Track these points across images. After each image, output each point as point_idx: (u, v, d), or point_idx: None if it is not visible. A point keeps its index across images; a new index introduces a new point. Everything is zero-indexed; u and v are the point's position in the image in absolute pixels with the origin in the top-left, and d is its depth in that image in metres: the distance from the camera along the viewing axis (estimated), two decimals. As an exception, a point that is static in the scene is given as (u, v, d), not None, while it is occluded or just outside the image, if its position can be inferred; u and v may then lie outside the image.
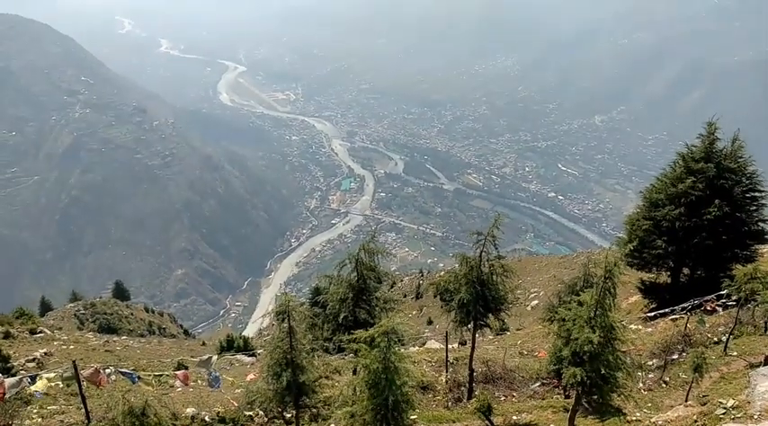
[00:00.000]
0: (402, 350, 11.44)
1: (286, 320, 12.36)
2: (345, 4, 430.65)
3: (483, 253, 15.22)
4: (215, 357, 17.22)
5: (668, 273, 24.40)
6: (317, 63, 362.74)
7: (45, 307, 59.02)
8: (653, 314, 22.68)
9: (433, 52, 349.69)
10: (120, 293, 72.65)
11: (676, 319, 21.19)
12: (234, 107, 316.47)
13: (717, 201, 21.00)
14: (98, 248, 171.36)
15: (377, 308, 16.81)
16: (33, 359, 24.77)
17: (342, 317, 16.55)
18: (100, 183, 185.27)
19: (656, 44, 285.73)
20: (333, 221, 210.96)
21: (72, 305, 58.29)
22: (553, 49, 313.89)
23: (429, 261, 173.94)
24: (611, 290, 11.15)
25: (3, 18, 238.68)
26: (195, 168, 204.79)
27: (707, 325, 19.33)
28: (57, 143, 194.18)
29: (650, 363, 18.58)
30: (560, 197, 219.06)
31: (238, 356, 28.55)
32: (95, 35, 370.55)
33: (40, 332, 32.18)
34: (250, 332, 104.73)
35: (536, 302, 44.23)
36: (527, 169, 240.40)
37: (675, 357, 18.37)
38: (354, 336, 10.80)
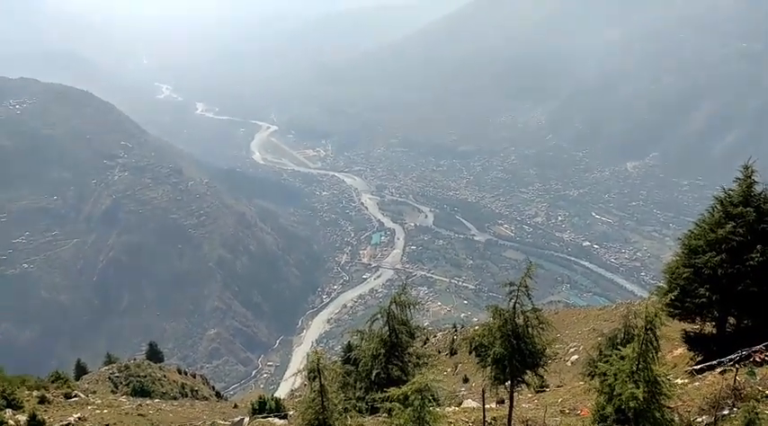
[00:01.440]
0: (437, 409, 11.06)
1: (317, 379, 12.12)
2: (374, 61, 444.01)
3: (516, 305, 14.85)
4: (247, 419, 16.97)
5: (713, 323, 23.44)
6: (346, 119, 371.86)
7: (80, 370, 59.29)
8: (699, 367, 21.66)
9: (460, 105, 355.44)
10: (154, 354, 72.73)
11: (725, 372, 20.17)
12: (266, 165, 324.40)
13: (759, 246, 20.32)
14: (133, 309, 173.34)
15: (410, 364, 16.44)
16: (68, 424, 24.72)
17: (374, 374, 16.21)
18: (136, 244, 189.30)
19: (686, 88, 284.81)
20: (364, 276, 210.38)
21: (106, 368, 58.45)
22: (580, 97, 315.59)
23: (462, 315, 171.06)
24: (654, 342, 10.69)
25: (48, 87, 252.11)
26: (228, 226, 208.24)
27: (758, 378, 18.31)
28: (96, 206, 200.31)
29: (699, 420, 17.59)
30: (596, 246, 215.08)
31: (270, 418, 27.99)
32: (135, 100, 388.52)
33: (75, 396, 32.22)
34: (282, 392, 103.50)
35: (576, 357, 42.68)
36: (559, 218, 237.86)
37: (726, 412, 17.36)
38: (387, 394, 10.51)
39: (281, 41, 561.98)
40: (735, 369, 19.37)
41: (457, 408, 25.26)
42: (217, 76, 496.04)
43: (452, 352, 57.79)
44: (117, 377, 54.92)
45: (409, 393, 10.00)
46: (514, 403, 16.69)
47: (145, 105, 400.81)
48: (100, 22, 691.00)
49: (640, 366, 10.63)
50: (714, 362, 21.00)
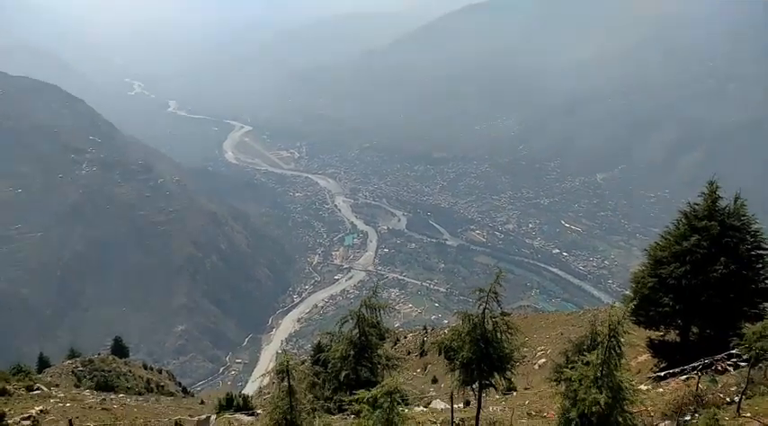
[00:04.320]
0: (406, 410, 11.11)
1: (285, 379, 12.07)
2: (350, 69, 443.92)
3: (486, 310, 15.00)
4: (213, 416, 16.80)
5: (677, 332, 24.01)
6: (320, 123, 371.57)
7: (43, 364, 57.98)
8: (663, 373, 22.16)
9: (434, 113, 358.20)
10: (119, 349, 71.48)
11: (687, 379, 20.67)
12: (239, 165, 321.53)
13: (723, 259, 20.88)
14: (98, 304, 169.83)
15: (379, 366, 16.46)
16: (29, 417, 24.21)
17: (343, 376, 16.20)
18: (102, 240, 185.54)
19: (654, 106, 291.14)
20: (336, 277, 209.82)
21: (70, 361, 57.30)
22: (552, 111, 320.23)
23: (433, 317, 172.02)
24: (617, 349, 10.90)
25: (15, 80, 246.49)
26: (198, 224, 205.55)
27: (719, 385, 18.83)
28: (62, 200, 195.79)
29: (662, 425, 18.00)
30: (565, 253, 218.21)
31: (237, 415, 27.71)
32: (105, 96, 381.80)
33: (37, 389, 31.55)
34: (250, 390, 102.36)
35: (543, 360, 43.28)
36: (530, 225, 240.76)
37: (688, 418, 17.79)
38: (356, 396, 10.52)
39: (256, 49, 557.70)
40: (697, 377, 19.88)
41: (425, 409, 25.39)
42: (191, 78, 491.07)
43: (422, 353, 58.19)
44: (81, 371, 53.87)
45: (379, 396, 10.03)
46: (482, 405, 16.86)
47: (116, 101, 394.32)
48: (73, 20, 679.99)
49: (604, 372, 10.83)
50: (677, 369, 21.54)
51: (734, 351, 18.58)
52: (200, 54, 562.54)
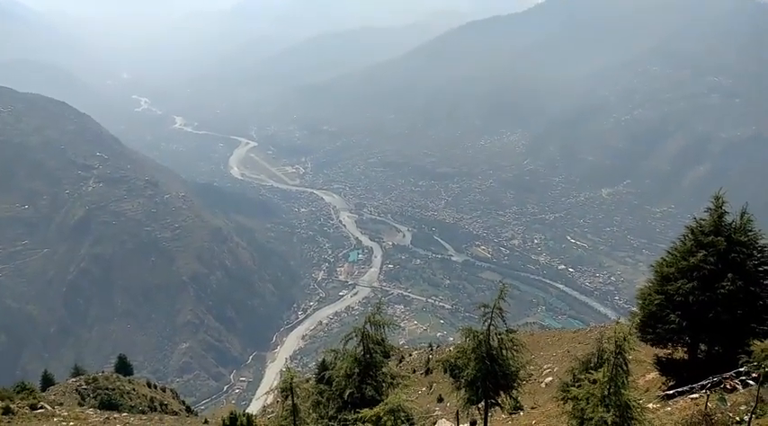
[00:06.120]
0: (410, 430, 10.98)
1: (289, 397, 11.98)
2: (354, 83, 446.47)
3: (491, 327, 14.89)
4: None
5: (684, 349, 23.74)
6: (326, 138, 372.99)
7: (47, 382, 57.77)
8: (671, 392, 21.86)
9: (439, 128, 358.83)
10: (123, 367, 71.14)
11: (696, 398, 20.39)
12: (244, 181, 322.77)
13: (730, 275, 20.69)
14: (103, 321, 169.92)
15: (384, 384, 16.28)
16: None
17: (347, 394, 16.00)
18: (108, 256, 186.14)
19: (659, 120, 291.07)
20: (341, 293, 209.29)
21: (74, 379, 57.07)
22: (557, 126, 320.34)
23: (438, 334, 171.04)
24: (624, 366, 10.77)
25: (22, 97, 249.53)
26: (204, 240, 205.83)
27: (728, 404, 18.52)
28: (68, 216, 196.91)
29: (671, 445, 17.71)
30: (570, 269, 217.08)
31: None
32: (112, 112, 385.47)
33: (41, 407, 31.47)
34: (254, 408, 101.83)
35: (550, 379, 42.76)
36: (535, 241, 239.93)
37: (697, 438, 17.50)
38: (360, 415, 10.41)
39: (262, 64, 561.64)
40: (706, 395, 19.59)
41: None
42: (197, 94, 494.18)
43: (428, 371, 57.55)
44: (84, 389, 53.58)
45: (382, 414, 9.92)
46: (488, 425, 16.66)
47: (122, 117, 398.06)
48: (82, 36, 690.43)
49: (611, 390, 10.70)
50: (686, 388, 21.25)
51: (742, 369, 18.34)
52: (206, 69, 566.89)
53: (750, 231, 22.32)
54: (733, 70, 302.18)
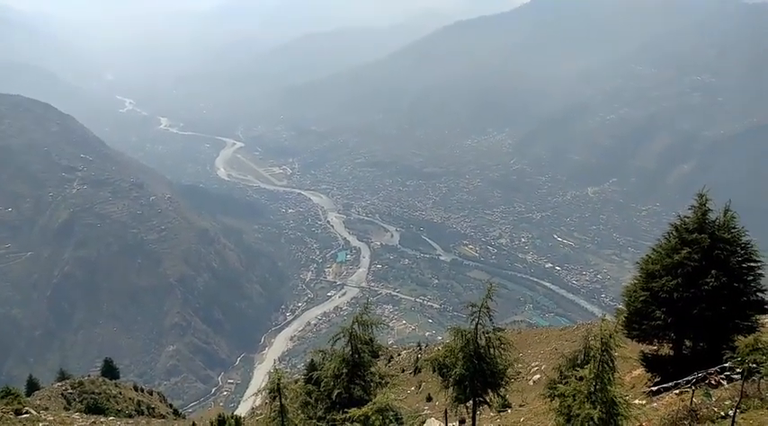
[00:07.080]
0: (398, 429, 10.98)
1: (277, 398, 11.93)
2: (341, 83, 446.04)
3: (478, 326, 14.94)
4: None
5: (670, 345, 23.95)
6: (313, 138, 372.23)
7: (32, 386, 57.16)
8: (657, 388, 22.06)
9: (426, 128, 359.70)
10: (110, 371, 70.52)
11: (681, 393, 20.58)
12: (231, 181, 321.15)
13: (713, 272, 20.90)
14: (88, 324, 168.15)
15: (372, 384, 16.28)
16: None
17: (336, 394, 15.98)
18: (93, 259, 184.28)
19: (644, 119, 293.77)
20: (329, 293, 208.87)
21: (59, 384, 56.49)
22: (543, 125, 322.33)
23: (427, 333, 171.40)
24: (610, 363, 10.85)
25: (4, 98, 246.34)
26: (190, 242, 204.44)
27: (713, 399, 18.73)
28: (52, 219, 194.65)
29: (657, 440, 17.86)
30: (557, 267, 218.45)
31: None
32: (97, 114, 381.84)
33: (26, 412, 31.14)
34: (242, 410, 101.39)
35: (538, 376, 43.01)
36: (523, 240, 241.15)
37: (683, 433, 17.67)
38: (348, 415, 10.40)
39: (248, 64, 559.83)
40: (691, 391, 19.79)
41: (419, 428, 25.13)
42: (183, 95, 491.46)
43: (416, 371, 57.62)
44: (70, 393, 53.09)
45: (370, 413, 9.91)
46: (477, 423, 16.71)
47: (107, 119, 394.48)
48: (65, 37, 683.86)
49: (597, 387, 10.77)
50: (671, 384, 21.46)
51: (727, 364, 18.56)
52: (191, 70, 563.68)
53: (733, 228, 22.57)
54: (716, 69, 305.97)
